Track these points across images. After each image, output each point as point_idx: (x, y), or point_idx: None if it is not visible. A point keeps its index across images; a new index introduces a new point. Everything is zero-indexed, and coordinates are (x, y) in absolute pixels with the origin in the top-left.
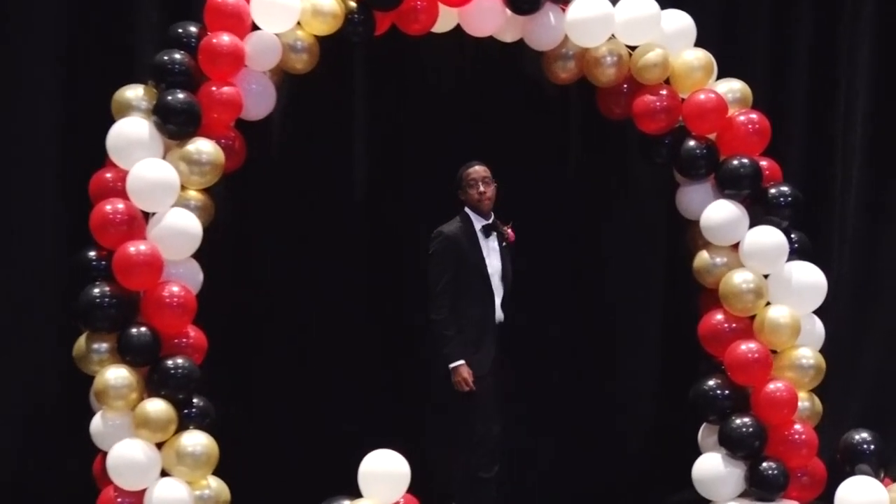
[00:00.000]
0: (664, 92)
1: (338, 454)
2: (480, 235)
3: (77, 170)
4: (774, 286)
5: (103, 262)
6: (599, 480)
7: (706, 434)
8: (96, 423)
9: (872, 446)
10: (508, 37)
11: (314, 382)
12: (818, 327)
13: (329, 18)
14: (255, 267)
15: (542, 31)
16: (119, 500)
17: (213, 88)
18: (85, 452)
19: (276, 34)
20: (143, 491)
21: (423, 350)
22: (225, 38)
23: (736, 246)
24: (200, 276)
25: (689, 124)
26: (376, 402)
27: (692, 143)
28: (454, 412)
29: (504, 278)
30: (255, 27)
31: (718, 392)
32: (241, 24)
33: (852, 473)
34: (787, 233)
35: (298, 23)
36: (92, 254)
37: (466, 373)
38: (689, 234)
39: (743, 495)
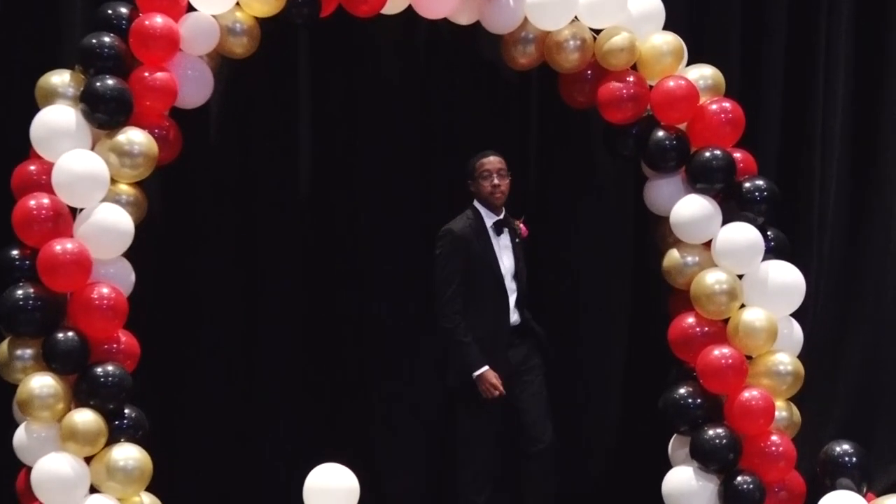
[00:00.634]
0: (631, 79)
1: (281, 467)
2: (492, 232)
3: None
4: (749, 287)
5: (27, 262)
6: (561, 494)
7: (676, 446)
8: (20, 436)
9: (854, 459)
10: (464, 19)
11: (255, 390)
12: (796, 331)
13: None
14: (191, 266)
15: (500, 13)
16: None
17: (146, 74)
18: (7, 467)
19: (214, 16)
20: None
21: (444, 364)
22: (158, 20)
23: (708, 244)
24: (132, 277)
25: (657, 113)
26: (322, 412)
27: (661, 133)
28: (480, 420)
29: (517, 277)
30: (190, 8)
31: (690, 401)
32: (175, 4)
33: (833, 488)
34: (762, 230)
35: (237, 3)
36: (14, 252)
37: (493, 377)
38: (657, 232)
39: None
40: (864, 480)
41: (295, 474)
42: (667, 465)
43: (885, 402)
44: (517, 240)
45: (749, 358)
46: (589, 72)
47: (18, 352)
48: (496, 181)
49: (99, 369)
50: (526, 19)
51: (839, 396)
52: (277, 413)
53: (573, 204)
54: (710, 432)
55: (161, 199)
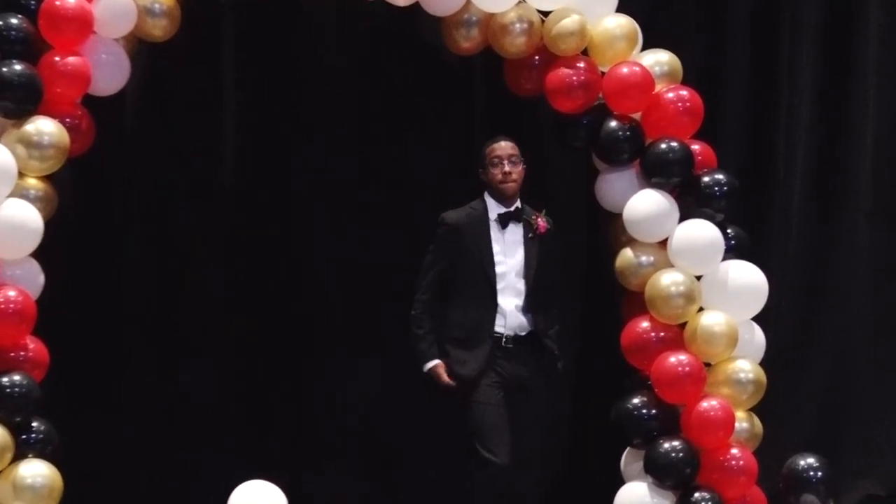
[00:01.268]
0: (581, 65)
1: (207, 482)
2: (495, 225)
3: None
4: (708, 289)
5: None
6: None
7: (630, 460)
8: None
9: (819, 473)
10: (402, 0)
11: (175, 399)
12: (758, 336)
13: None
14: (106, 266)
15: None
16: None
17: (57, 59)
18: None
19: None
20: None
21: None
22: (70, 0)
23: (664, 243)
24: (41, 279)
25: (610, 102)
26: (250, 420)
27: (613, 123)
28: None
29: (527, 277)
30: None
31: (644, 411)
32: None
33: None
34: (722, 227)
35: None
36: None
37: (444, 372)
38: (610, 229)
39: None
40: (829, 496)
41: (222, 490)
42: (619, 481)
43: (852, 413)
44: (531, 235)
45: (708, 365)
46: (536, 57)
47: None
48: (507, 168)
49: (4, 379)
50: (469, 0)
51: (804, 406)
52: (204, 423)
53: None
54: (666, 445)
55: (73, 193)
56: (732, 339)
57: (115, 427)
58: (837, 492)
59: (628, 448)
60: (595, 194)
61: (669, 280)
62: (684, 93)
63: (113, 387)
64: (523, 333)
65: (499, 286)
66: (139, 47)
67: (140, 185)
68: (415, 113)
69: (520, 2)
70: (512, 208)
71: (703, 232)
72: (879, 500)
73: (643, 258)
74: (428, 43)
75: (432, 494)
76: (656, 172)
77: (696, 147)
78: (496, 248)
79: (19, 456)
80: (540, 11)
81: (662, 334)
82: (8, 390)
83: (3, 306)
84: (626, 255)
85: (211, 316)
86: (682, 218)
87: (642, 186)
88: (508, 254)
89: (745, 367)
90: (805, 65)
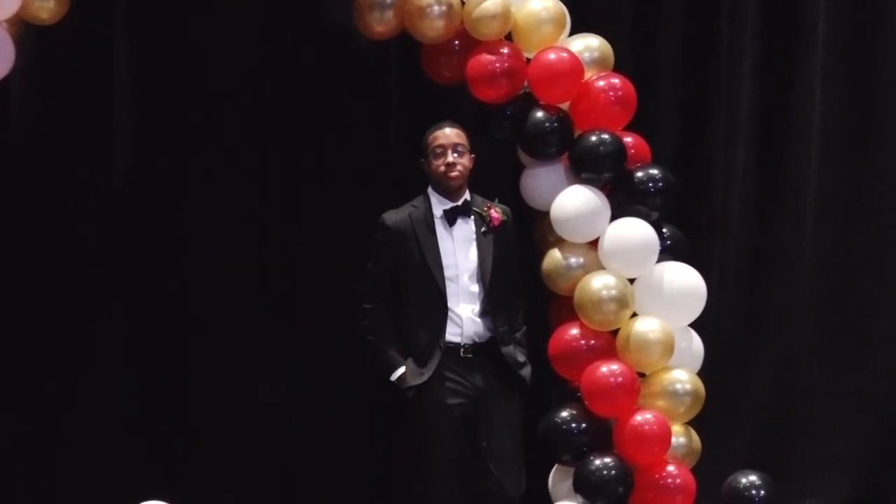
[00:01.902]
0: (505, 51)
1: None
2: (441, 223)
3: None
4: (642, 293)
5: None
6: None
7: (558, 478)
8: None
9: (762, 492)
10: None
11: (69, 414)
12: (696, 344)
13: None
14: None
15: None
16: None
17: None
18: None
19: None
20: None
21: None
22: None
23: (595, 243)
24: None
25: (536, 91)
26: (144, 424)
27: (540, 114)
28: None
29: (482, 277)
30: None
31: (573, 426)
32: None
33: None
34: (657, 227)
35: None
36: None
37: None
38: (536, 229)
39: None
40: None
41: None
42: (546, 501)
43: (796, 427)
44: (485, 229)
45: (642, 375)
46: (456, 42)
47: None
48: (451, 158)
49: None
50: None
51: (745, 420)
52: (98, 435)
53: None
54: (597, 462)
55: None
56: (668, 348)
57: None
58: None
59: (556, 465)
60: (520, 191)
61: (600, 283)
62: (616, 81)
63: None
64: (483, 341)
65: (449, 291)
66: (25, 31)
67: (25, 179)
68: (324, 103)
69: None
70: (459, 202)
71: (636, 231)
72: None
73: (572, 260)
74: (338, 27)
75: None
76: (586, 167)
77: (628, 140)
78: (444, 248)
79: None
80: None
81: (593, 342)
82: None
83: None
84: (554, 256)
85: (98, 321)
86: (614, 217)
87: (571, 182)
88: (459, 254)
89: (682, 377)
90: (746, 49)
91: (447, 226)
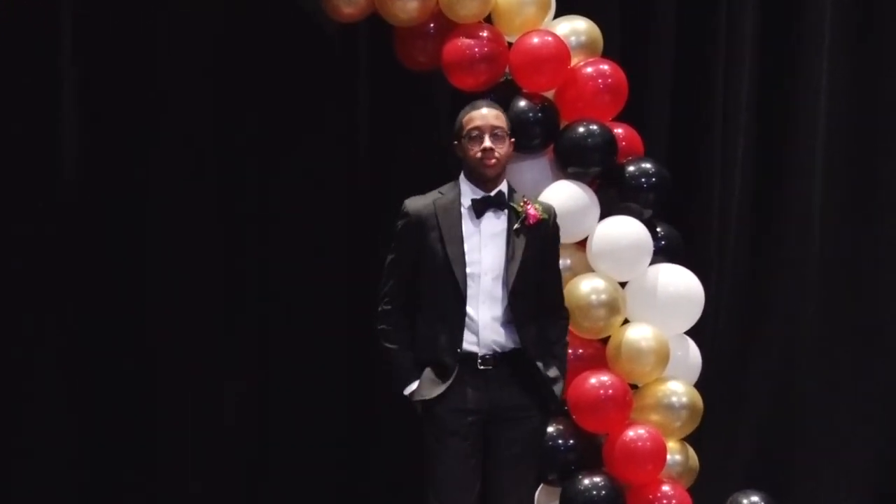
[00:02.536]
0: (484, 34)
1: None
2: (468, 214)
3: None
4: (634, 298)
5: None
6: None
7: (544, 498)
8: None
9: None
10: None
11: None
12: (693, 353)
13: None
14: None
15: None
16: None
17: None
18: None
19: None
20: None
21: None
22: None
23: (583, 243)
24: None
25: (518, 78)
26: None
27: (523, 103)
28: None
29: (507, 279)
30: None
31: (560, 442)
32: None
33: None
34: (650, 225)
35: None
36: None
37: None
38: None
39: None
40: None
41: None
42: None
43: (800, 442)
44: (518, 227)
45: (634, 387)
46: (431, 25)
47: None
48: (487, 143)
49: None
50: None
51: (745, 435)
52: (52, 444)
53: (416, 191)
54: (586, 482)
55: None
56: (662, 357)
57: None
58: None
59: (542, 485)
60: None
61: (589, 287)
62: (605, 67)
63: None
64: (505, 351)
65: (469, 292)
66: None
67: None
68: (288, 92)
69: None
70: (492, 193)
71: (627, 231)
72: None
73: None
74: (303, 9)
75: None
76: (573, 161)
77: (619, 131)
78: (468, 243)
79: None
80: None
81: (581, 351)
82: None
83: None
84: None
85: (48, 337)
86: (604, 215)
87: (557, 177)
88: (485, 251)
89: (678, 389)
90: (745, 32)
91: (475, 218)
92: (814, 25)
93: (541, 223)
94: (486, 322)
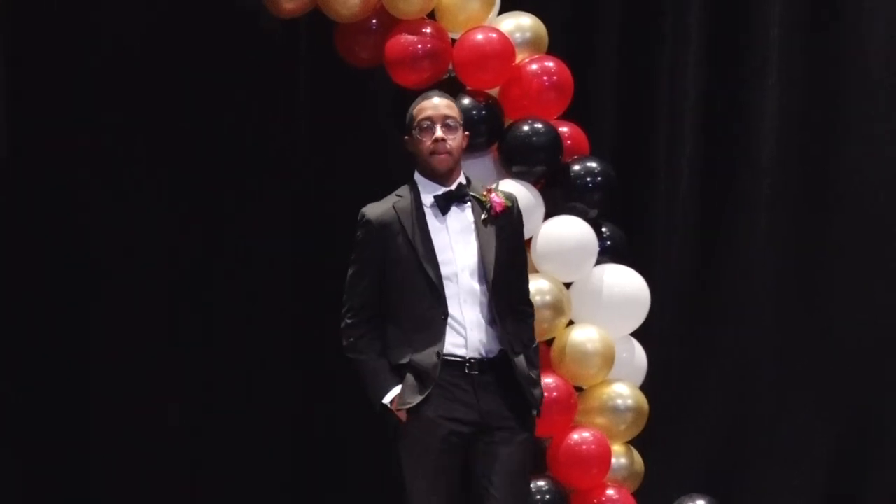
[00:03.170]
0: (427, 30)
1: None
2: (432, 212)
3: None
4: (579, 299)
5: None
6: None
7: None
8: None
9: None
10: None
11: None
12: (638, 355)
13: None
14: None
15: None
16: None
17: None
18: None
19: None
20: None
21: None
22: None
23: (527, 243)
24: None
25: (461, 75)
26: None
27: (467, 101)
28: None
29: (484, 275)
30: None
31: None
32: None
33: None
34: (596, 225)
35: None
36: None
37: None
38: None
39: None
40: None
41: None
42: None
43: (750, 446)
44: (485, 217)
45: (579, 390)
46: (374, 21)
47: None
48: (439, 133)
49: None
50: None
51: (693, 438)
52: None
53: (359, 192)
54: (530, 486)
55: None
56: (608, 359)
57: None
58: None
59: None
60: None
61: (534, 288)
62: (550, 65)
63: None
64: (492, 355)
65: (448, 292)
66: None
67: None
68: (227, 90)
69: None
70: (452, 186)
71: (572, 231)
72: None
73: None
74: (242, 5)
75: None
76: (517, 159)
77: (564, 129)
78: (438, 242)
79: None
80: None
81: None
82: None
83: None
84: None
85: None
86: (548, 214)
87: (501, 176)
88: (457, 247)
89: (624, 391)
90: (692, 29)
91: (440, 215)
92: (762, 19)
93: (506, 211)
94: (472, 322)
